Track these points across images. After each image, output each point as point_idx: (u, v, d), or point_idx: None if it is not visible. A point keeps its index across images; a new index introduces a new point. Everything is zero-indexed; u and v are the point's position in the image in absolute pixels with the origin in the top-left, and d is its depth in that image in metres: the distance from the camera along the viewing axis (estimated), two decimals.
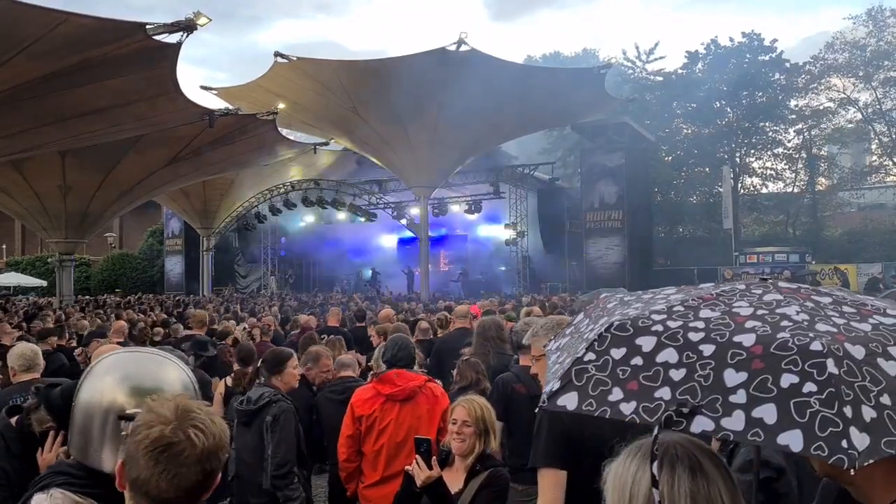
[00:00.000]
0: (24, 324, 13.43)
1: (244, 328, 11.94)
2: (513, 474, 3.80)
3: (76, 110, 18.20)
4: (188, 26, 15.34)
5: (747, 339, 1.40)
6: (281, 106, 22.84)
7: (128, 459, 1.55)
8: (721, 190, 35.65)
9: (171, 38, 15.72)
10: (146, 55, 16.08)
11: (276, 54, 22.88)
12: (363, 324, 11.09)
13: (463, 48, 22.02)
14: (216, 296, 30.94)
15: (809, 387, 1.28)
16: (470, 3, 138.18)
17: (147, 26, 15.18)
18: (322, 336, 9.58)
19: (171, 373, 1.95)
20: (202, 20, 15.27)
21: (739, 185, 38.62)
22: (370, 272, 36.15)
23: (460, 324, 8.50)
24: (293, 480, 4.41)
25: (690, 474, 1.41)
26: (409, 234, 33.00)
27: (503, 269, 34.17)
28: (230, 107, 21.98)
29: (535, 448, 2.94)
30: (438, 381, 5.00)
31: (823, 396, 1.26)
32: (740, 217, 37.11)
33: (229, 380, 6.89)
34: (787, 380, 1.30)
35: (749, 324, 1.46)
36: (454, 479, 3.54)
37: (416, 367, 5.33)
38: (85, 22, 14.36)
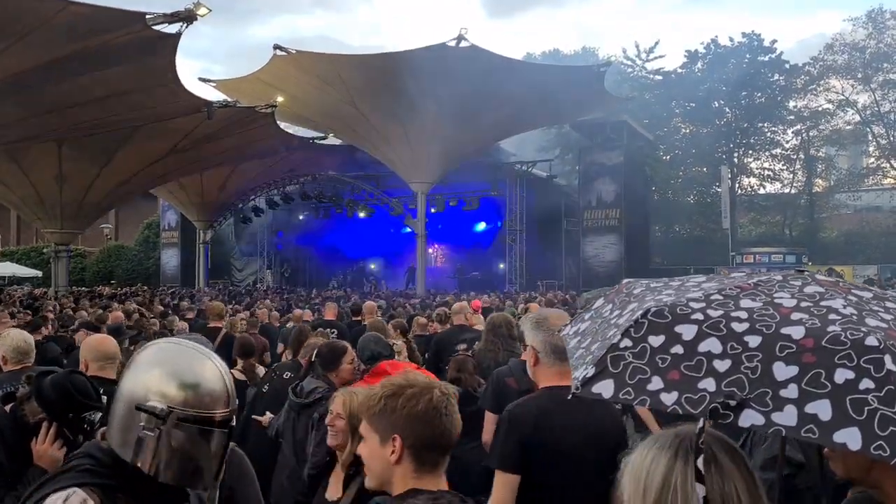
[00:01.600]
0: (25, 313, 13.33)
1: (241, 320, 11.93)
2: None
3: (74, 100, 18.09)
4: (188, 17, 15.28)
5: (796, 332, 1.34)
6: (280, 99, 22.74)
7: (409, 427, 1.85)
8: (719, 190, 35.68)
9: (171, 29, 15.65)
10: (145, 45, 16.00)
11: (276, 47, 22.79)
12: (359, 318, 11.05)
13: (463, 44, 21.97)
14: (212, 289, 30.86)
15: (867, 383, 1.23)
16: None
17: (147, 16, 15.11)
18: (318, 330, 9.55)
19: (209, 367, 1.93)
20: (202, 10, 15.20)
21: (737, 185, 38.64)
22: (370, 265, 36.17)
23: (458, 320, 8.44)
24: (322, 484, 4.34)
25: (705, 467, 1.37)
26: (406, 229, 32.91)
27: (500, 266, 34.12)
28: (229, 99, 21.88)
29: (492, 449, 3.02)
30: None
31: (882, 394, 1.21)
32: (737, 217, 37.12)
33: (237, 373, 6.83)
34: (842, 375, 1.25)
35: (795, 316, 1.40)
36: (335, 485, 3.33)
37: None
38: (84, 10, 14.26)
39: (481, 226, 35.30)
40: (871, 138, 37.60)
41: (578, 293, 20.04)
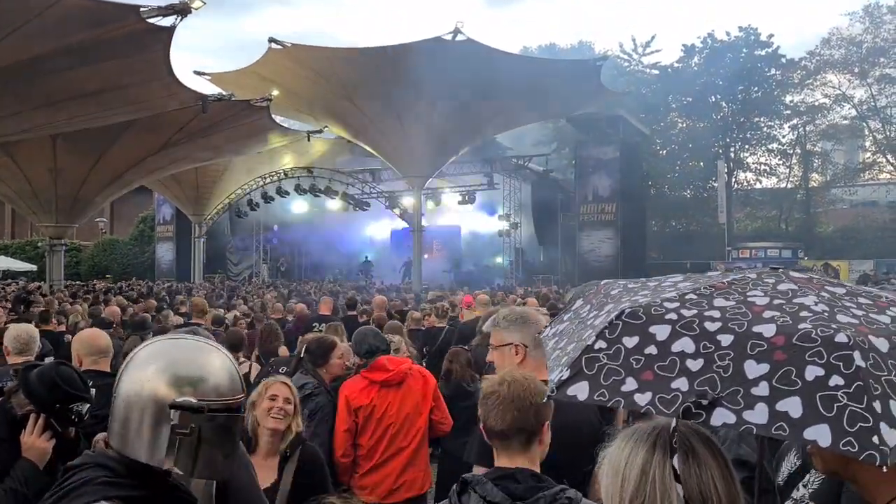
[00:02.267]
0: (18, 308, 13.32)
1: (234, 315, 11.94)
2: None
3: (68, 93, 18.02)
4: (182, 9, 15.23)
5: (767, 330, 1.35)
6: (275, 93, 22.69)
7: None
8: (715, 184, 35.69)
9: (165, 22, 15.59)
10: (140, 38, 15.95)
11: (271, 40, 22.74)
12: (354, 312, 11.07)
13: (459, 37, 21.93)
14: (208, 283, 30.85)
15: (836, 380, 1.23)
16: None
17: (141, 9, 15.04)
18: (314, 324, 9.56)
19: (215, 359, 1.89)
20: (196, 3, 15.15)
21: (733, 179, 38.66)
22: (366, 258, 36.16)
23: (480, 311, 8.48)
24: None
25: (682, 458, 1.40)
26: (402, 223, 32.92)
27: (497, 260, 34.16)
28: (224, 92, 21.83)
29: (471, 444, 3.00)
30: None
31: (851, 390, 1.21)
32: (734, 212, 37.14)
33: None
34: (812, 372, 1.25)
35: (767, 314, 1.40)
36: (265, 471, 3.25)
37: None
38: (78, 3, 14.21)
39: (477, 220, 35.30)
40: (867, 133, 37.63)
41: (567, 289, 20.02)
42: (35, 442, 2.86)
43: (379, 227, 37.81)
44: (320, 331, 8.78)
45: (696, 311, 1.44)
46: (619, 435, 1.53)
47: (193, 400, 1.75)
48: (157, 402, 1.77)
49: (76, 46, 15.66)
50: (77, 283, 31.04)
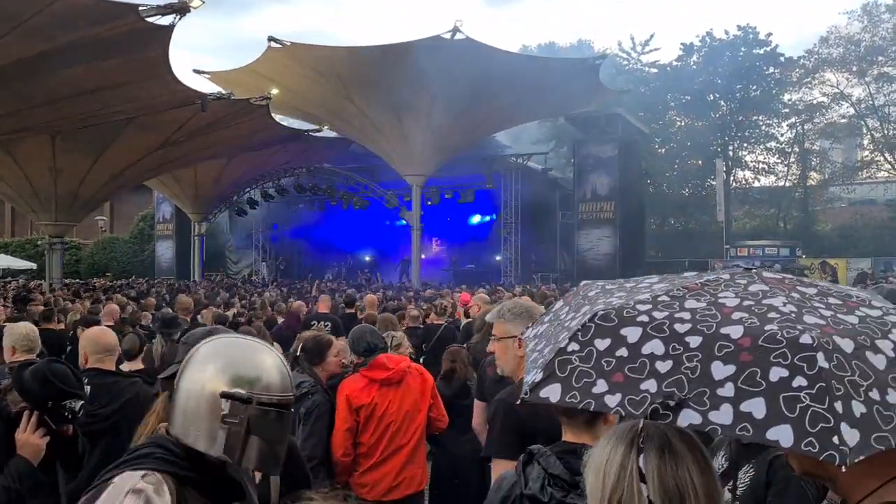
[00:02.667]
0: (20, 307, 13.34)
1: (232, 313, 11.97)
2: None
3: (67, 91, 18.05)
4: (181, 8, 15.26)
5: (735, 331, 1.37)
6: (274, 91, 22.71)
7: None
8: (713, 183, 35.70)
9: (164, 20, 15.62)
10: (138, 37, 15.97)
11: (270, 39, 22.78)
12: (352, 310, 11.10)
13: (458, 36, 21.96)
14: (208, 281, 30.85)
15: (799, 381, 1.26)
16: None
17: (140, 7, 15.07)
18: (312, 322, 9.60)
19: (267, 358, 2.01)
20: (195, 2, 15.17)
21: (732, 178, 38.66)
22: (367, 258, 36.22)
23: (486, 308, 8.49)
24: (318, 476, 4.33)
25: (658, 453, 1.44)
26: (401, 222, 32.92)
27: (495, 258, 34.17)
28: (223, 91, 21.83)
29: (490, 438, 3.07)
30: None
31: (814, 391, 1.24)
32: (732, 210, 37.16)
33: None
34: (777, 373, 1.28)
35: (736, 315, 1.43)
36: None
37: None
38: (77, 2, 14.25)
39: (476, 218, 35.32)
40: (865, 132, 37.60)
41: (569, 286, 20.01)
42: (29, 439, 2.89)
43: (378, 226, 37.82)
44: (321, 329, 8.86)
45: (667, 313, 1.47)
46: (603, 434, 1.58)
47: (243, 391, 1.88)
48: (214, 397, 1.90)
49: (75, 45, 15.68)
50: (77, 281, 31.05)
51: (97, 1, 14.61)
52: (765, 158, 39.56)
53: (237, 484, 2.01)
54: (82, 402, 2.99)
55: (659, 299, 1.53)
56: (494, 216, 33.10)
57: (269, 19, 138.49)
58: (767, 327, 1.36)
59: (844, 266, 28.74)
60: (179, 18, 15.50)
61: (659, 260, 35.16)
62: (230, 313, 11.71)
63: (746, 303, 1.48)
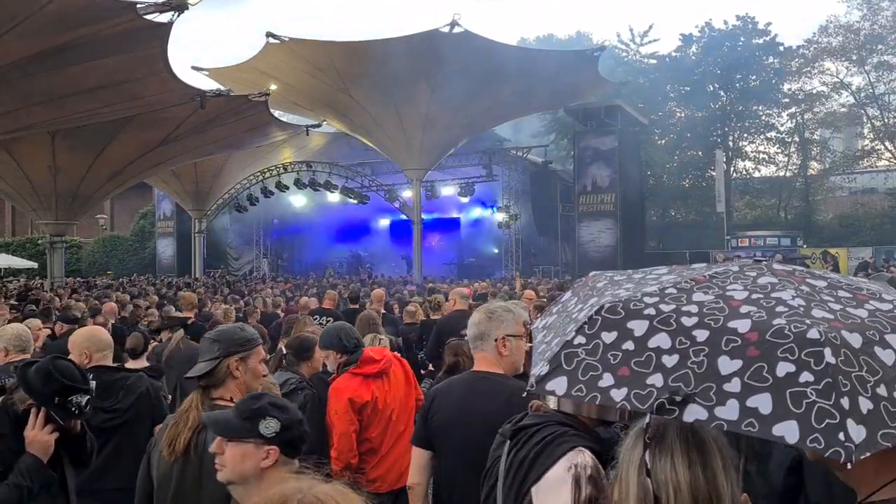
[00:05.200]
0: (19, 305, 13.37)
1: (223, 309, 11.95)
2: None
3: (66, 90, 18.02)
4: (179, 5, 15.19)
5: (742, 325, 1.36)
6: (273, 87, 22.68)
7: None
8: (714, 173, 35.67)
9: (162, 18, 15.57)
10: (137, 35, 15.93)
11: (268, 35, 22.72)
12: (356, 305, 11.05)
13: (456, 29, 21.92)
14: (208, 278, 30.87)
15: (806, 376, 1.25)
16: None
17: (138, 5, 15.02)
18: (315, 318, 9.56)
19: None
20: (193, 0, 15.12)
21: (732, 168, 38.63)
22: (368, 253, 36.28)
23: (460, 305, 8.37)
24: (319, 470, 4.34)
25: (653, 450, 1.47)
26: (402, 216, 32.93)
27: (496, 251, 34.18)
28: (221, 88, 21.80)
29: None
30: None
31: (821, 387, 1.23)
32: (732, 201, 37.13)
33: None
34: (784, 368, 1.27)
35: (744, 308, 1.42)
36: None
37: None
38: (74, 1, 14.20)
39: (476, 212, 35.31)
40: (865, 120, 37.52)
41: (573, 279, 20.01)
42: (37, 436, 2.90)
43: (379, 221, 37.86)
44: (321, 324, 8.82)
45: (674, 307, 1.46)
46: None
47: None
48: None
49: (74, 43, 15.65)
50: (78, 279, 31.08)
51: (95, 0, 14.57)
52: (765, 148, 39.55)
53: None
54: (88, 396, 2.99)
55: (666, 291, 1.52)
56: (495, 209, 33.08)
57: (267, 14, 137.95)
58: (775, 321, 1.36)
59: (846, 255, 28.72)
60: (177, 16, 15.45)
61: (660, 251, 35.16)
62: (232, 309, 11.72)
63: (755, 296, 1.47)
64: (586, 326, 1.49)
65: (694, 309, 1.44)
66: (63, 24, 14.72)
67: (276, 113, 26.21)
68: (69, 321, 7.83)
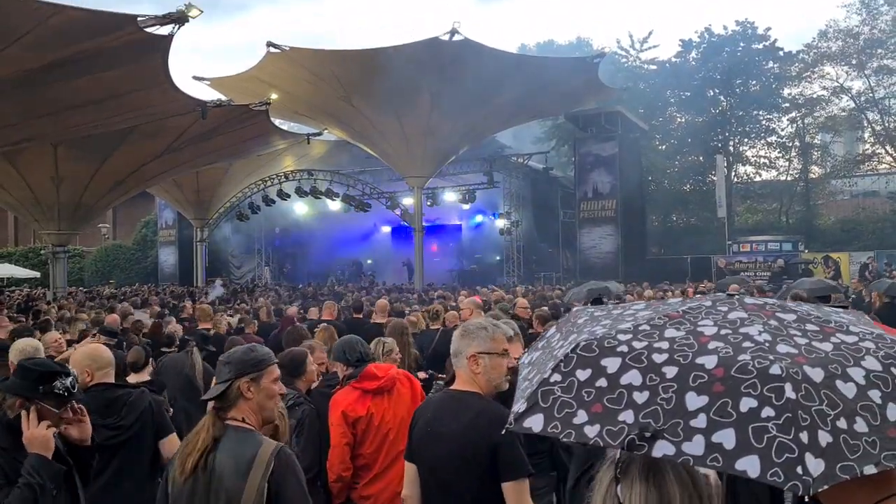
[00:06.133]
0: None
1: (238, 319, 11.99)
2: None
3: (69, 102, 18.11)
4: (180, 18, 15.28)
5: (709, 362, 1.42)
6: (274, 96, 22.75)
7: None
8: (714, 178, 35.72)
9: (163, 31, 15.65)
10: (138, 47, 16.01)
11: (269, 44, 22.81)
12: (360, 315, 10.98)
13: (456, 37, 22.00)
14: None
15: (767, 411, 1.30)
16: None
17: (139, 18, 15.11)
18: (315, 330, 9.54)
19: None
20: (194, 12, 15.20)
21: (733, 173, 38.68)
22: (369, 261, 36.30)
23: (476, 316, 8.30)
24: (315, 485, 4.35)
25: (625, 483, 1.52)
26: (402, 223, 32.98)
27: (497, 258, 34.22)
28: (223, 98, 21.89)
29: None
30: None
31: (781, 422, 1.28)
32: (734, 205, 37.16)
33: None
34: (747, 404, 1.32)
35: (712, 344, 1.47)
36: None
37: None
38: (77, 14, 14.30)
39: (478, 218, 35.37)
40: (865, 124, 37.57)
41: (571, 285, 20.02)
42: (34, 433, 2.91)
43: (380, 229, 37.90)
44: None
45: (646, 343, 1.51)
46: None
47: None
48: None
49: (76, 56, 15.73)
50: (81, 289, 31.15)
51: (96, 13, 14.67)
52: (766, 153, 39.63)
53: None
54: (71, 377, 3.03)
55: (640, 328, 1.58)
56: (496, 216, 33.15)
57: (264, 22, 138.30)
58: (740, 357, 1.41)
59: (847, 259, 28.72)
60: (178, 28, 15.54)
61: (661, 257, 35.21)
62: (234, 319, 11.77)
63: (724, 331, 1.52)
64: (562, 364, 1.55)
65: (665, 345, 1.49)
66: (66, 37, 14.81)
67: (277, 121, 26.31)
68: (109, 333, 7.77)
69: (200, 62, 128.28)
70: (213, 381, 3.03)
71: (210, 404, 2.93)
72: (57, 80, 16.50)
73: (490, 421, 3.02)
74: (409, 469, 3.37)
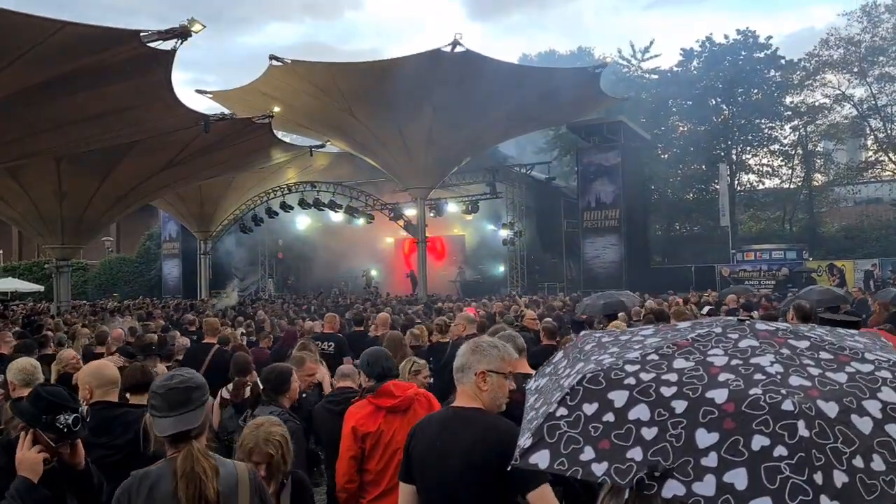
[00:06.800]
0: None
1: (241, 333, 11.96)
2: None
3: (72, 117, 18.16)
4: (182, 33, 15.30)
5: (719, 396, 1.37)
6: (276, 109, 22.79)
7: None
8: (717, 187, 35.68)
9: (166, 45, 15.68)
10: (141, 62, 16.04)
11: (271, 57, 22.85)
12: (362, 328, 10.92)
13: (458, 49, 22.02)
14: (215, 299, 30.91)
15: (780, 450, 1.26)
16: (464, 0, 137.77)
17: (142, 34, 15.14)
18: (316, 342, 9.51)
19: None
20: (196, 27, 15.22)
21: (736, 181, 38.60)
22: (373, 272, 36.28)
23: (469, 330, 8.12)
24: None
25: None
26: (405, 234, 32.98)
27: (501, 269, 34.18)
28: (225, 111, 21.92)
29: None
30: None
31: (794, 462, 1.24)
32: (737, 214, 37.10)
33: (225, 391, 6.84)
34: (759, 442, 1.28)
35: (722, 376, 1.43)
36: None
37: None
38: (80, 30, 14.34)
39: (481, 229, 35.34)
40: (868, 132, 37.55)
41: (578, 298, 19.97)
42: (25, 456, 2.91)
43: (383, 239, 37.87)
44: (323, 349, 8.76)
45: (654, 375, 1.47)
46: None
47: None
48: None
49: (79, 71, 15.77)
50: (85, 303, 31.15)
51: (99, 28, 14.70)
52: (768, 161, 39.54)
53: None
54: (76, 415, 3.02)
55: (648, 358, 1.53)
56: (499, 226, 33.15)
57: (266, 36, 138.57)
58: (752, 391, 1.36)
59: (851, 267, 28.65)
60: (181, 43, 15.55)
61: (665, 266, 35.14)
62: (238, 332, 11.71)
63: (734, 362, 1.48)
64: (568, 397, 1.50)
65: (673, 377, 1.45)
66: (69, 52, 14.85)
67: (280, 134, 26.34)
68: (128, 354, 7.70)
69: (200, 76, 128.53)
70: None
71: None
72: (60, 95, 16.55)
73: (499, 435, 3.03)
74: (404, 490, 3.32)
